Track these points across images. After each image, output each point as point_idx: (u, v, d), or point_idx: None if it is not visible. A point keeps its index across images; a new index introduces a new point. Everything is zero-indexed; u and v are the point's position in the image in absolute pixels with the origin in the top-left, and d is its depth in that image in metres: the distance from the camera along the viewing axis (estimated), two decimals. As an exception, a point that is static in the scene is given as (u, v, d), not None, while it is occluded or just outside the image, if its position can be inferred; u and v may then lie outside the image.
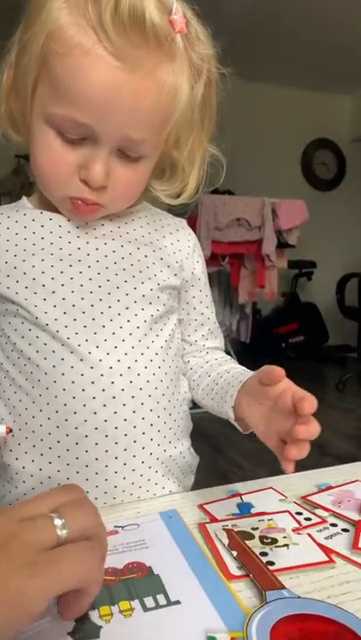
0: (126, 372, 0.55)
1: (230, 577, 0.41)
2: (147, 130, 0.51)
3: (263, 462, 2.31)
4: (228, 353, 0.72)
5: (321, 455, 2.44)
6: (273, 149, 4.42)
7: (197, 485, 0.63)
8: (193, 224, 2.66)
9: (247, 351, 3.61)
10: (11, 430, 0.44)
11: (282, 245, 2.85)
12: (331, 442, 2.54)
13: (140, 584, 0.40)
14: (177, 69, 0.50)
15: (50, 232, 0.58)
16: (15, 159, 3.19)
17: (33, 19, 0.49)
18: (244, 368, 0.62)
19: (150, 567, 0.42)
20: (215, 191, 3.78)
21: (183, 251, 0.64)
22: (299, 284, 4.50)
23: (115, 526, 0.50)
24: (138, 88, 0.48)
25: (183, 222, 0.68)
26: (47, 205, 0.59)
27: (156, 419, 0.57)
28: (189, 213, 2.63)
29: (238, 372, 0.60)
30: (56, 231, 0.58)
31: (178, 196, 0.61)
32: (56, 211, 0.58)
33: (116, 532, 0.48)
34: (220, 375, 0.62)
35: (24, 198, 0.63)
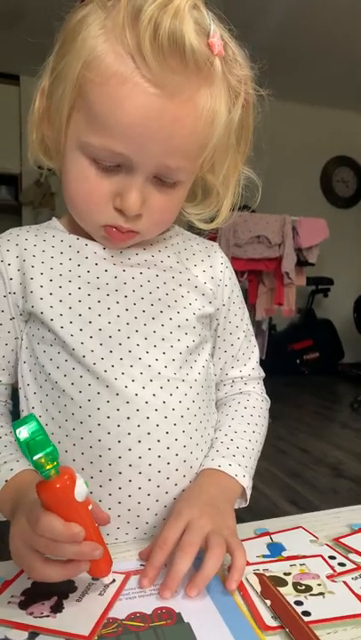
0: (161, 407, 0.53)
1: (265, 628, 0.39)
2: (183, 157, 0.50)
3: (273, 482, 2.29)
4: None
5: (336, 477, 2.40)
6: (292, 166, 4.42)
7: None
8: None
9: (262, 367, 3.58)
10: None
11: (301, 263, 2.83)
12: (345, 463, 2.49)
13: (169, 633, 0.39)
14: (215, 94, 0.48)
15: (86, 258, 0.57)
16: (38, 170, 3.24)
17: (67, 47, 0.48)
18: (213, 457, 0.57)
19: (180, 614, 0.41)
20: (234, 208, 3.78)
21: (216, 277, 0.62)
22: (315, 300, 4.47)
23: (141, 565, 0.48)
24: (176, 115, 0.46)
25: (215, 246, 0.66)
26: (80, 230, 0.58)
27: (188, 455, 0.55)
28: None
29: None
30: (92, 258, 0.57)
31: (211, 220, 0.59)
32: (90, 236, 0.57)
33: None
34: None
35: (54, 220, 0.62)
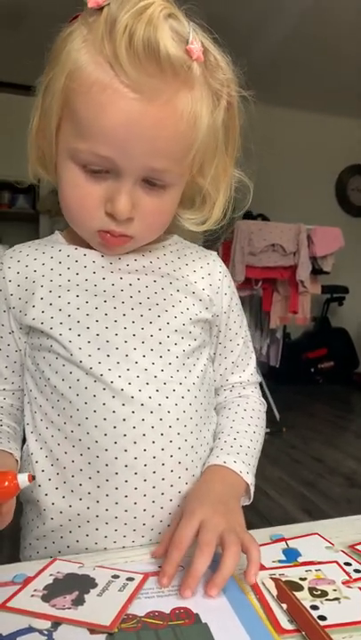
0: (157, 409, 0.55)
1: (281, 631, 0.40)
2: (168, 159, 0.51)
3: (287, 491, 2.28)
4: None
5: (350, 486, 2.38)
6: (307, 175, 4.42)
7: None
8: (228, 249, 2.67)
9: (276, 375, 3.58)
10: (33, 477, 0.45)
11: (316, 272, 2.83)
12: (359, 472, 2.47)
13: (188, 632, 0.40)
14: (196, 97, 0.50)
15: (84, 267, 0.59)
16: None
17: (54, 62, 0.51)
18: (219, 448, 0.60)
19: (197, 614, 0.42)
20: (250, 216, 3.80)
21: (214, 285, 0.63)
22: (330, 308, 4.44)
23: (159, 567, 0.49)
24: (157, 118, 0.48)
25: (214, 255, 0.67)
26: (80, 240, 0.59)
27: (184, 457, 0.56)
28: (224, 238, 2.64)
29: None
30: (90, 267, 0.59)
31: (203, 223, 0.61)
32: (89, 246, 0.59)
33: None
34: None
35: (57, 233, 0.64)
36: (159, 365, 0.56)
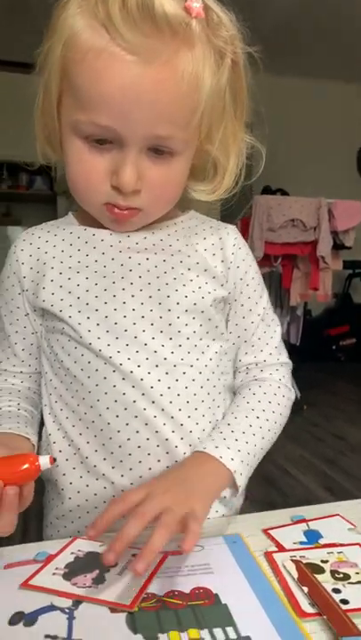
0: (166, 392, 0.54)
1: (302, 614, 0.39)
2: (172, 124, 0.48)
3: (308, 469, 2.27)
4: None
5: (373, 464, 2.36)
6: (327, 147, 4.30)
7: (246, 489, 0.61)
8: (246, 225, 2.62)
9: (297, 353, 3.54)
10: (55, 460, 0.45)
11: (337, 247, 2.76)
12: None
13: (208, 613, 0.40)
14: (197, 56, 0.47)
15: (93, 247, 0.58)
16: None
17: (52, 31, 0.49)
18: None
19: (217, 595, 0.42)
20: (268, 191, 3.72)
21: (226, 259, 0.60)
22: (352, 284, 4.36)
23: (178, 545, 0.49)
24: (156, 80, 0.46)
25: (230, 227, 0.63)
26: (91, 220, 0.58)
27: (196, 440, 0.56)
28: (242, 215, 2.59)
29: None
30: (99, 247, 0.58)
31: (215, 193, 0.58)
32: (101, 225, 0.58)
33: (181, 553, 0.48)
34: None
35: (70, 214, 0.63)
36: (169, 347, 0.55)
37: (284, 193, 3.75)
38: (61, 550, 0.48)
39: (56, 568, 0.45)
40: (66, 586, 0.43)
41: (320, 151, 4.27)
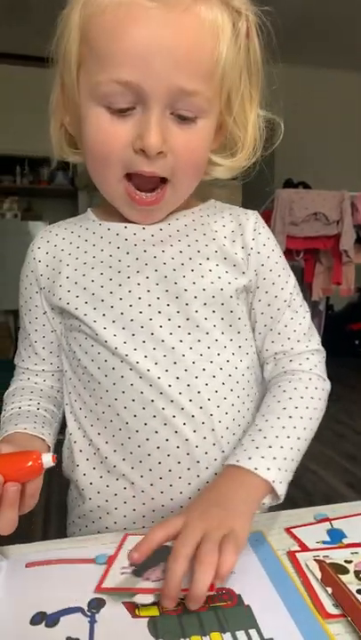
0: (185, 390, 0.53)
1: (326, 615, 0.39)
2: (196, 77, 0.47)
3: (330, 466, 2.25)
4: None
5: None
6: (349, 140, 4.22)
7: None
8: (268, 219, 2.59)
9: (318, 348, 3.49)
10: (57, 457, 0.44)
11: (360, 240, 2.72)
12: None
13: (230, 615, 0.39)
14: (215, 10, 0.48)
15: (108, 242, 0.57)
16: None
17: (67, 2, 0.49)
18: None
19: (240, 596, 0.41)
20: (290, 184, 3.67)
21: (246, 245, 0.57)
22: (375, 279, 4.28)
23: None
24: (177, 26, 0.45)
25: (250, 213, 0.60)
26: (110, 214, 0.57)
27: (219, 438, 0.54)
28: (265, 208, 2.57)
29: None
30: (114, 241, 0.56)
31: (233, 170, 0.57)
32: (120, 219, 0.57)
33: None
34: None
35: (89, 210, 0.62)
36: (187, 343, 0.53)
37: (306, 186, 3.70)
38: (118, 550, 0.47)
39: (122, 567, 0.44)
40: (142, 582, 0.42)
41: (342, 144, 4.19)
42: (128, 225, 0.57)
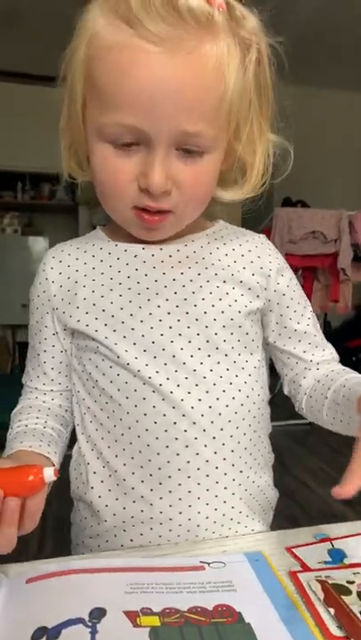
0: (207, 412, 0.53)
1: (330, 637, 0.39)
2: (199, 119, 0.47)
3: (328, 482, 2.23)
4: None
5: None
6: (348, 159, 4.28)
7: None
8: (267, 236, 2.62)
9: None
10: (59, 472, 0.43)
11: (358, 259, 2.74)
12: None
13: (230, 631, 0.39)
14: (221, 46, 0.46)
15: (126, 264, 0.56)
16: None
17: (75, 36, 0.49)
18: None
19: (240, 613, 0.41)
20: (289, 203, 3.71)
21: (265, 268, 0.59)
22: (372, 297, 4.31)
23: (200, 561, 0.49)
24: (181, 70, 0.44)
25: (263, 238, 0.63)
26: (121, 235, 0.57)
27: (237, 459, 0.55)
28: (264, 226, 2.59)
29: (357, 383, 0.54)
30: (132, 263, 0.56)
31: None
32: (131, 240, 0.56)
33: (203, 568, 0.48)
34: (338, 390, 0.56)
35: (98, 229, 0.61)
36: (208, 365, 0.54)
37: (304, 204, 3.74)
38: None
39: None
40: None
41: (341, 163, 4.25)
42: (146, 246, 0.57)
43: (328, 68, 3.85)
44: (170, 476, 0.53)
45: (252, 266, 0.58)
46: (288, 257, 2.62)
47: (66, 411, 0.62)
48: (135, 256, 0.57)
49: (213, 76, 0.46)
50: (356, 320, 4.35)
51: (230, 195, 0.57)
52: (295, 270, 2.72)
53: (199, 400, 0.53)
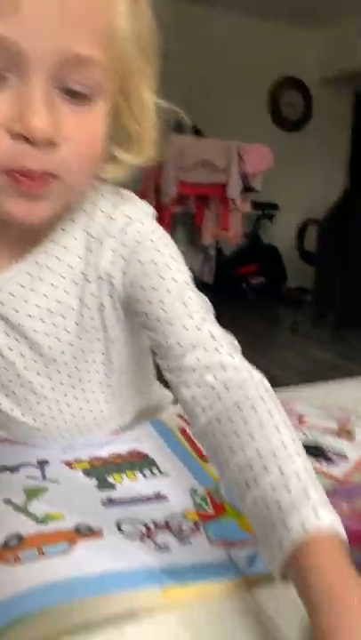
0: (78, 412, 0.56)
1: (203, 456, 0.56)
2: (88, 40, 0.36)
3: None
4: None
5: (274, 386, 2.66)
6: (240, 85, 4.32)
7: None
8: (159, 164, 2.68)
9: (208, 291, 3.72)
10: None
11: (247, 190, 2.92)
12: (283, 379, 2.76)
13: (139, 464, 0.55)
14: None
15: None
16: None
17: None
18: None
19: (147, 454, 0.57)
20: (182, 129, 3.74)
21: (117, 262, 0.47)
22: (261, 225, 4.60)
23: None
24: None
25: (122, 206, 0.48)
26: None
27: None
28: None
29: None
30: None
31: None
32: None
33: (116, 433, 0.62)
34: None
35: None
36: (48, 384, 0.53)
37: (197, 131, 3.80)
38: None
39: None
40: None
41: (232, 88, 4.26)
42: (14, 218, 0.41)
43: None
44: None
45: (115, 265, 0.48)
46: (181, 184, 2.72)
47: None
48: None
49: None
50: (246, 248, 4.65)
51: (128, 158, 0.45)
52: (188, 198, 2.85)
53: (42, 414, 0.55)
